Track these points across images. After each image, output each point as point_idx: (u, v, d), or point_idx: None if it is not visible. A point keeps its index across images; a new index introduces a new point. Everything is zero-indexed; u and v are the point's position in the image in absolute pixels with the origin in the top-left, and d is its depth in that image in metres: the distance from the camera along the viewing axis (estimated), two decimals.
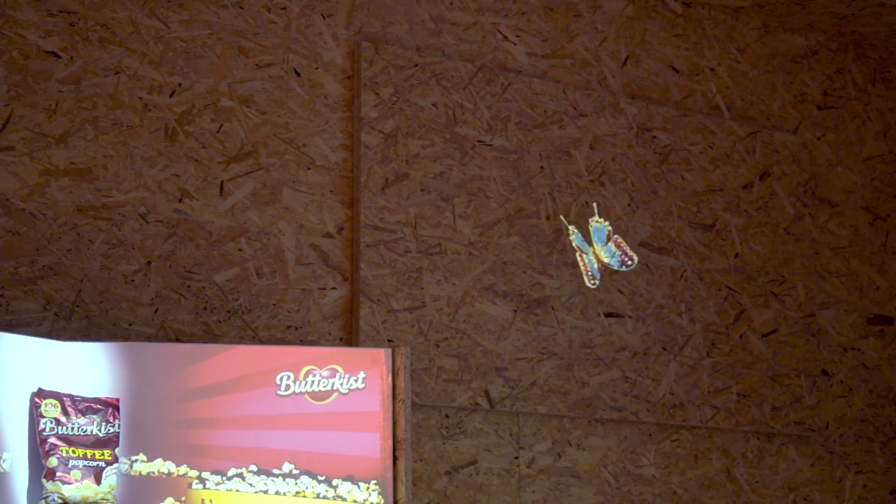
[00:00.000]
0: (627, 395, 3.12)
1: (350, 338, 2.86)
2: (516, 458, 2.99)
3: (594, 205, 2.97)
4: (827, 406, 3.38)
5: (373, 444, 2.32)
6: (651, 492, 3.12)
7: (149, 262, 2.70)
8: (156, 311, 2.69)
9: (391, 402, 2.35)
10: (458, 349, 2.96)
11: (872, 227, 3.55)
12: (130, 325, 2.65)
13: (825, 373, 3.40)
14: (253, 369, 2.29)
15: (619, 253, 2.70)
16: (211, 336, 2.72)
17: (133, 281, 2.67)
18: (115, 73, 2.73)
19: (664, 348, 3.19)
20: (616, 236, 2.65)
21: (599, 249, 2.69)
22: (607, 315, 3.15)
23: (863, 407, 3.43)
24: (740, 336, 3.30)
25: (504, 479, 2.97)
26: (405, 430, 2.33)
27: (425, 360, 2.91)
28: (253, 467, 2.24)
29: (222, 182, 2.81)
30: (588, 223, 2.65)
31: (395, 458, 2.33)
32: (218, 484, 2.22)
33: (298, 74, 2.93)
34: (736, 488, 3.22)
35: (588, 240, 2.67)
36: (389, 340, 2.88)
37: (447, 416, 2.93)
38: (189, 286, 2.73)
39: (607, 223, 2.69)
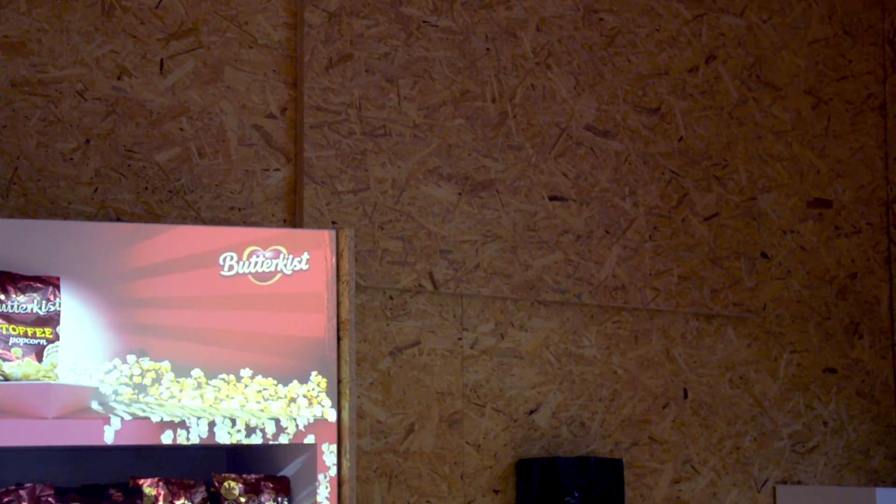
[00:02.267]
0: (570, 277, 3.15)
1: (294, 219, 2.85)
2: (459, 339, 3.02)
3: None
4: (765, 288, 3.44)
5: (317, 324, 2.32)
6: (592, 372, 3.17)
7: (87, 141, 2.65)
8: (95, 190, 2.65)
9: (335, 283, 2.35)
10: (403, 231, 2.96)
11: (815, 110, 3.58)
12: (70, 203, 2.61)
13: (764, 255, 3.45)
14: (196, 250, 2.27)
15: None
16: (152, 216, 2.69)
17: (72, 159, 2.63)
18: None
19: (607, 231, 3.22)
20: None
21: None
22: (551, 198, 3.16)
23: (800, 289, 3.49)
24: (682, 219, 3.33)
25: (447, 359, 3.00)
26: (349, 311, 2.34)
27: (369, 242, 2.91)
28: (197, 347, 2.24)
29: (162, 60, 2.74)
30: None
31: (338, 339, 2.34)
32: (165, 364, 2.22)
33: None
34: (674, 368, 3.29)
35: None
36: (333, 222, 2.87)
37: (391, 298, 2.95)
38: (129, 165, 2.69)
39: None
